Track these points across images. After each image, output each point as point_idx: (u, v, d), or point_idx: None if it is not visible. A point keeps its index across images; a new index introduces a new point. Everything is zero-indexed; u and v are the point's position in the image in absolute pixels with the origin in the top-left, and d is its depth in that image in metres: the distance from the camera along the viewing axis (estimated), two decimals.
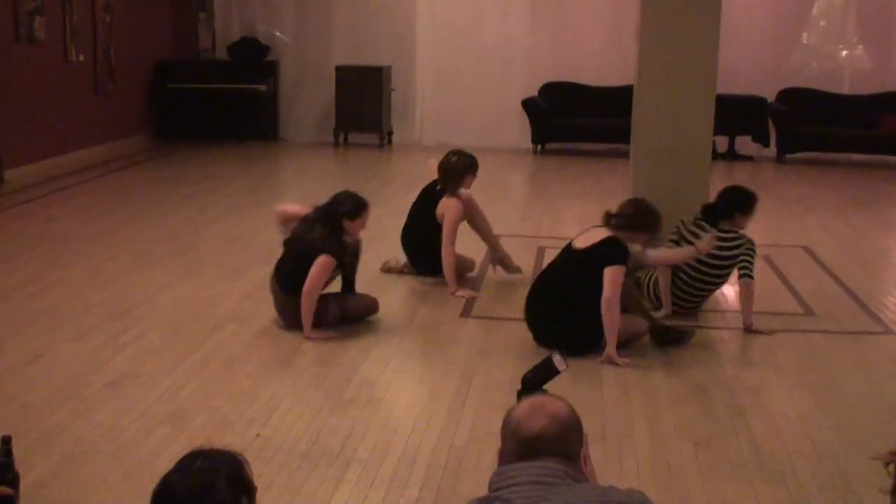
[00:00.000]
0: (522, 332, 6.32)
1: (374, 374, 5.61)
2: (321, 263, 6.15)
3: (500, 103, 14.74)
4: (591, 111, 14.17)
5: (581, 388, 5.29)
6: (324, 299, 6.29)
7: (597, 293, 5.80)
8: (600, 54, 14.59)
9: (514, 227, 9.37)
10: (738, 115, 13.58)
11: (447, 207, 7.34)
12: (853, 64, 15.03)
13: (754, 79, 14.38)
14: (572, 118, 14.19)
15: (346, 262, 6.40)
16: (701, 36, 7.25)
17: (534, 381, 2.94)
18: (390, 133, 15.01)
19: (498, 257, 7.66)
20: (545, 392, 2.88)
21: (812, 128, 14.09)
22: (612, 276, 5.81)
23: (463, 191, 7.48)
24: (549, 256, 8.31)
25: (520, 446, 2.38)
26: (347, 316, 6.44)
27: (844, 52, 15.14)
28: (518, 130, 14.63)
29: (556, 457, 2.36)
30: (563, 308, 5.99)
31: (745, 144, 14.29)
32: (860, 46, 15.10)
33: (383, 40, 14.92)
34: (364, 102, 14.49)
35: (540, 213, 10.31)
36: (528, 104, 14.42)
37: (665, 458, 4.63)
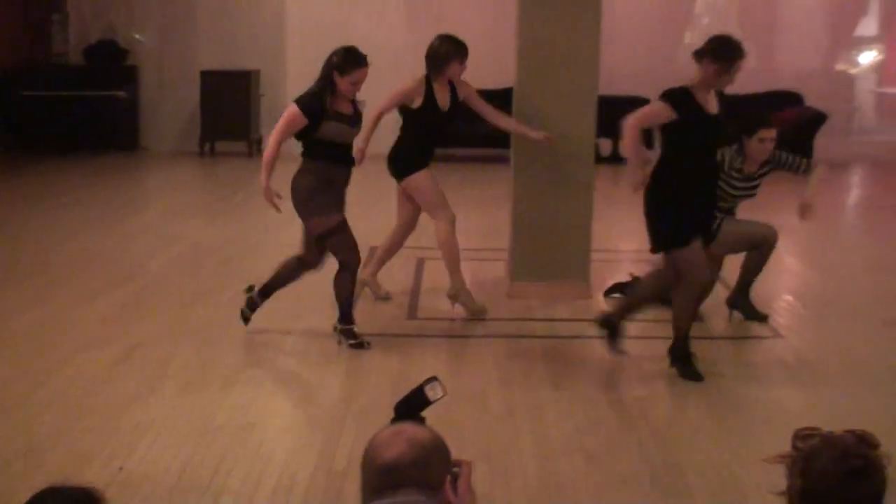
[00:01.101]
0: (400, 349, 6.32)
1: (245, 399, 5.52)
2: (286, 112, 6.20)
3: (374, 105, 14.67)
4: (471, 115, 14.21)
5: (464, 408, 5.29)
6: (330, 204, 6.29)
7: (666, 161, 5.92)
8: (478, 55, 14.57)
9: None
10: (621, 116, 13.73)
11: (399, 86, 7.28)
12: None
13: (637, 79, 14.61)
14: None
15: (328, 122, 6.22)
16: (582, 35, 7.34)
17: (405, 410, 2.91)
18: (259, 141, 14.86)
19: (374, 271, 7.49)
20: (422, 420, 2.85)
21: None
22: (645, 107, 6.04)
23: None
24: (430, 268, 8.36)
25: (378, 476, 2.33)
26: (328, 242, 6.33)
27: None
28: (395, 136, 14.58)
29: (417, 486, 2.32)
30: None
31: None
32: (744, 45, 15.46)
33: (251, 43, 14.77)
34: (231, 109, 14.32)
35: (420, 224, 10.29)
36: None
37: (554, 475, 4.66)
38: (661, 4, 15.17)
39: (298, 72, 14.84)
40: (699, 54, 5.90)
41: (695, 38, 15.53)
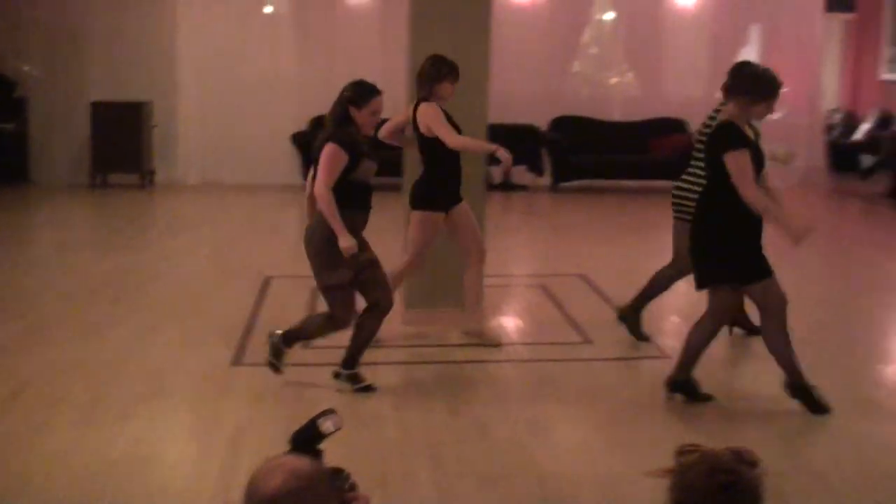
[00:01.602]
0: (296, 378, 6.30)
1: (140, 432, 5.45)
2: (326, 152, 5.79)
3: (268, 138, 14.64)
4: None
5: (360, 435, 5.30)
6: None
7: (716, 193, 5.65)
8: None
9: (286, 268, 9.31)
10: (511, 144, 13.89)
11: (424, 114, 6.76)
12: (623, 91, 15.73)
13: (527, 108, 14.84)
14: None
15: (364, 159, 5.90)
16: (471, 66, 7.41)
17: (300, 443, 2.92)
18: (152, 172, 14.69)
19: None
20: (319, 453, 2.87)
21: (585, 156, 14.63)
22: (732, 163, 5.48)
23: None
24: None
25: None
26: (356, 281, 6.02)
27: (614, 80, 15.81)
28: (288, 166, 14.57)
29: None
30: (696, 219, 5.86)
31: (519, 174, 14.69)
32: (629, 74, 15.83)
33: (142, 75, 14.59)
34: (123, 141, 14.14)
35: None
36: (297, 138, 14.40)
37: (450, 498, 4.70)
38: (549, 35, 15.40)
39: (190, 103, 14.78)
40: (729, 90, 5.77)
41: (583, 67, 15.82)
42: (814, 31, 15.74)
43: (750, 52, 16.70)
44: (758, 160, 5.68)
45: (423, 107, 6.80)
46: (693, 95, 15.77)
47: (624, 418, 5.78)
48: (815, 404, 5.81)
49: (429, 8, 7.37)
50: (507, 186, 14.53)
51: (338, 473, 3.03)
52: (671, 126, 15.17)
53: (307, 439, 2.95)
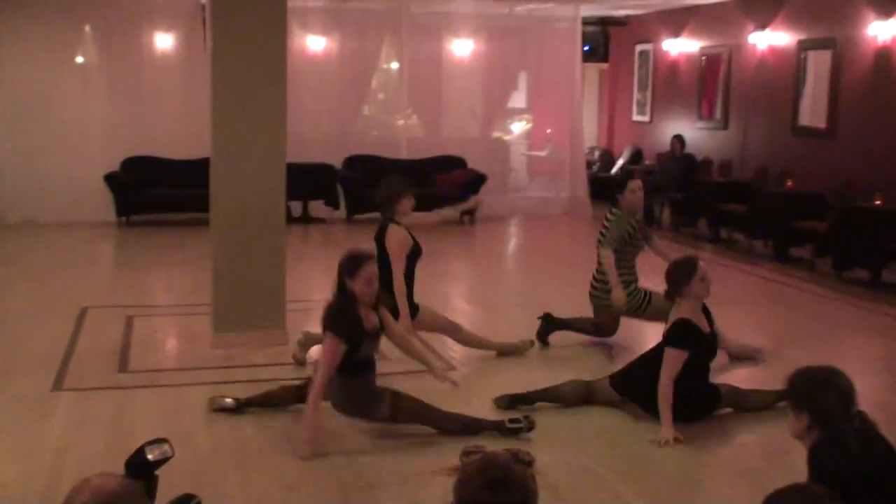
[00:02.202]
0: (114, 400, 6.15)
1: None
2: (326, 345, 5.37)
3: (82, 178, 14.16)
4: (173, 183, 13.99)
5: (175, 448, 5.19)
6: (378, 393, 5.57)
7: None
8: (178, 128, 14.48)
9: (102, 299, 9.07)
10: (309, 181, 13.97)
11: (392, 238, 6.76)
12: (408, 132, 15.97)
13: (322, 148, 14.88)
14: (155, 190, 13.96)
15: (355, 340, 5.40)
16: (269, 109, 7.42)
17: (131, 469, 2.89)
18: None
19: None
20: (155, 477, 2.84)
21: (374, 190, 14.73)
22: (668, 356, 5.72)
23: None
24: (138, 325, 8.16)
25: None
26: (398, 418, 5.58)
27: (401, 122, 16.05)
28: (103, 204, 14.15)
29: None
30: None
31: (318, 208, 14.70)
32: (414, 117, 16.11)
33: None
34: None
35: (128, 284, 10.05)
36: (110, 178, 14.02)
37: None
38: (341, 82, 15.51)
39: (8, 145, 14.14)
40: (674, 291, 5.92)
41: (372, 111, 16.02)
42: (573, 78, 16.32)
43: (520, 98, 17.28)
44: (710, 349, 5.98)
45: (392, 230, 6.83)
46: (470, 135, 16.21)
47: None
48: None
49: (228, 56, 7.33)
50: (306, 219, 14.52)
51: (189, 499, 3.04)
52: (452, 163, 15.49)
53: (138, 466, 2.92)
